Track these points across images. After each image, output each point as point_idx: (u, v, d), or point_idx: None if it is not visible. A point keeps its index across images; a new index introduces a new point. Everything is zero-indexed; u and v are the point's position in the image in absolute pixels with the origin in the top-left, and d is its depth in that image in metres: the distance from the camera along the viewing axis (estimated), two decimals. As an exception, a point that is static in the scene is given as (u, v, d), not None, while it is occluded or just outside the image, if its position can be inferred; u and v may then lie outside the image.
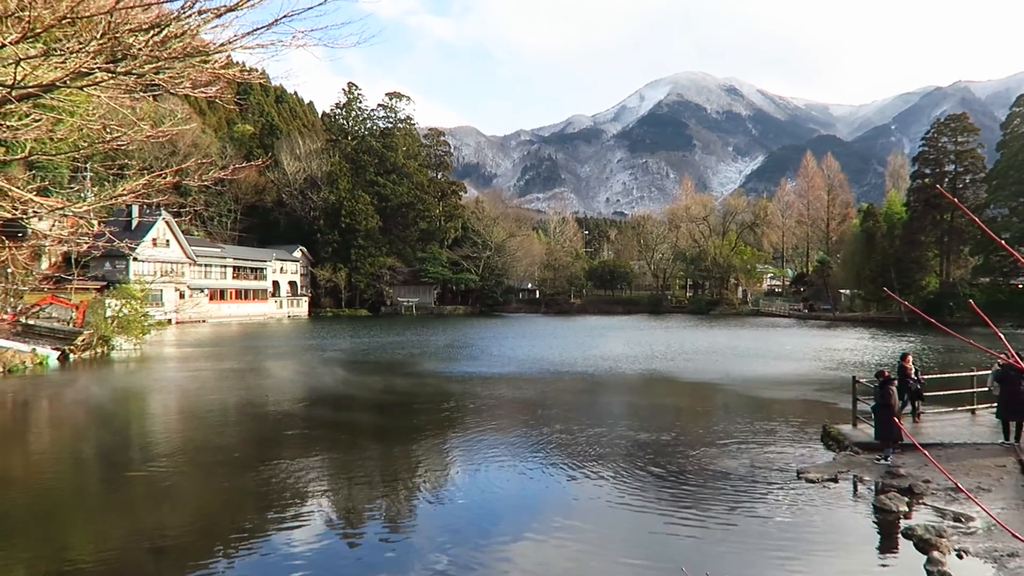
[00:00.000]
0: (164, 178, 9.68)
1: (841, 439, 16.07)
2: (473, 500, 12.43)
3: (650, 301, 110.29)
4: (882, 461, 14.20)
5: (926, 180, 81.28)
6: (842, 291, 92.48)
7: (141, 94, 8.76)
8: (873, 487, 12.76)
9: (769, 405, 23.03)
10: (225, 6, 7.51)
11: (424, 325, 71.46)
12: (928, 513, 11.24)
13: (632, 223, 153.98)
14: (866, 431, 16.18)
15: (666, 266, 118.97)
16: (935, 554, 9.33)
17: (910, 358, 16.00)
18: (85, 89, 7.82)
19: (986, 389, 17.67)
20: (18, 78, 6.73)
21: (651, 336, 55.32)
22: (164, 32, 7.35)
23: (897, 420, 14.74)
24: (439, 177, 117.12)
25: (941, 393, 18.70)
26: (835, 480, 13.12)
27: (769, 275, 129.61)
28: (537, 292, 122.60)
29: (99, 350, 37.62)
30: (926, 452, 3.17)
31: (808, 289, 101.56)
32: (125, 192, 9.20)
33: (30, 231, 19.90)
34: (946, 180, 79.80)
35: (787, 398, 25.00)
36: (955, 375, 19.74)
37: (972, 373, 19.10)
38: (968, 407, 18.53)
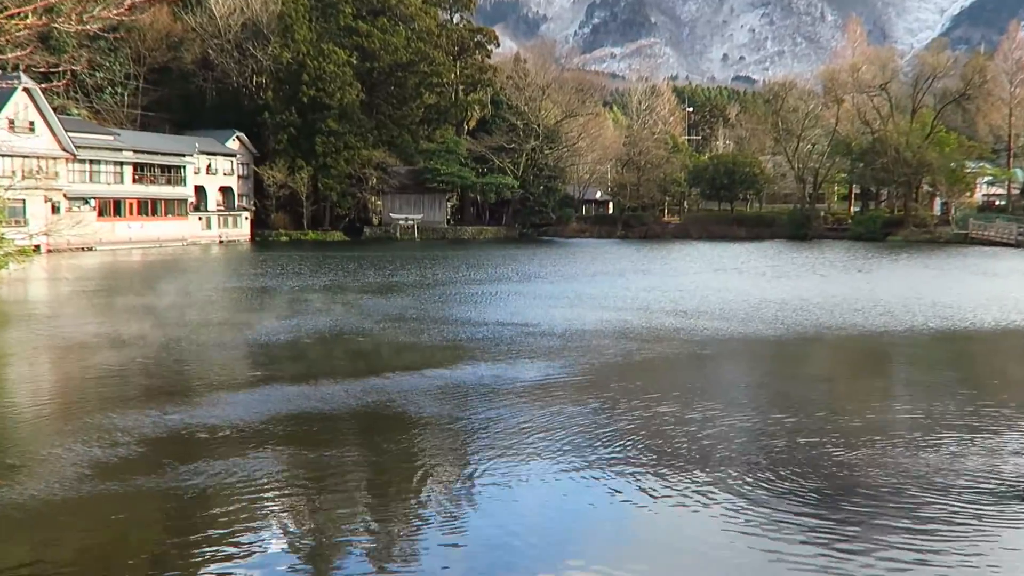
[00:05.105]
0: (23, 19, 9.59)
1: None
2: (502, 530, 12.50)
3: (791, 220, 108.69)
4: None
5: None
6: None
7: None
8: None
9: (974, 387, 22.74)
10: None
11: (432, 257, 71.64)
12: None
13: (764, 95, 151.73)
14: None
15: (818, 164, 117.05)
16: None
17: None
18: None
19: None
20: None
21: (797, 272, 55.10)
22: None
23: None
24: (455, 21, 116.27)
25: None
26: (1082, 507, 12.98)
27: (986, 179, 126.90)
28: (610, 205, 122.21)
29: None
30: None
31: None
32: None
33: None
34: None
35: (1004, 377, 24.67)
36: None
37: None
38: None
